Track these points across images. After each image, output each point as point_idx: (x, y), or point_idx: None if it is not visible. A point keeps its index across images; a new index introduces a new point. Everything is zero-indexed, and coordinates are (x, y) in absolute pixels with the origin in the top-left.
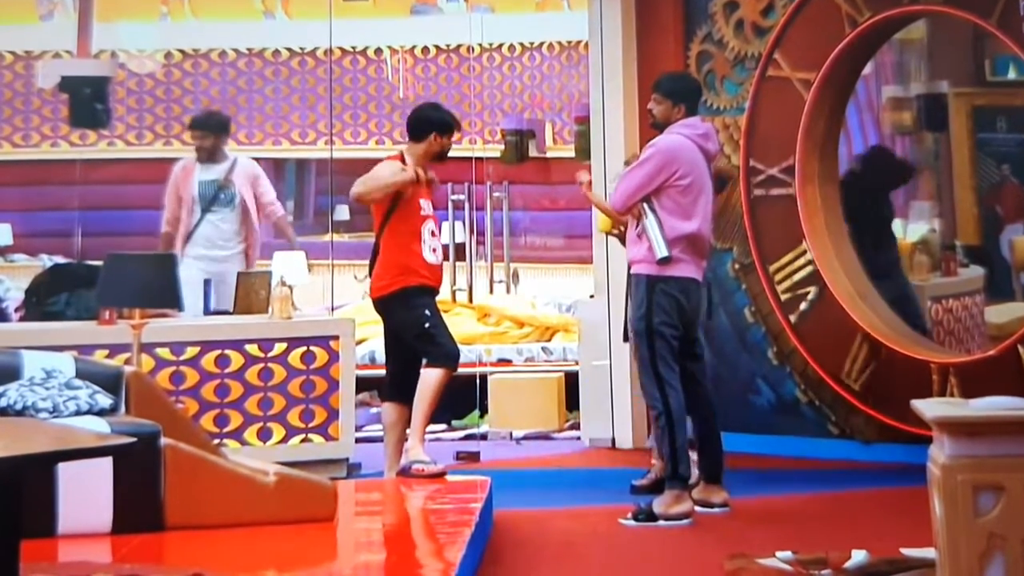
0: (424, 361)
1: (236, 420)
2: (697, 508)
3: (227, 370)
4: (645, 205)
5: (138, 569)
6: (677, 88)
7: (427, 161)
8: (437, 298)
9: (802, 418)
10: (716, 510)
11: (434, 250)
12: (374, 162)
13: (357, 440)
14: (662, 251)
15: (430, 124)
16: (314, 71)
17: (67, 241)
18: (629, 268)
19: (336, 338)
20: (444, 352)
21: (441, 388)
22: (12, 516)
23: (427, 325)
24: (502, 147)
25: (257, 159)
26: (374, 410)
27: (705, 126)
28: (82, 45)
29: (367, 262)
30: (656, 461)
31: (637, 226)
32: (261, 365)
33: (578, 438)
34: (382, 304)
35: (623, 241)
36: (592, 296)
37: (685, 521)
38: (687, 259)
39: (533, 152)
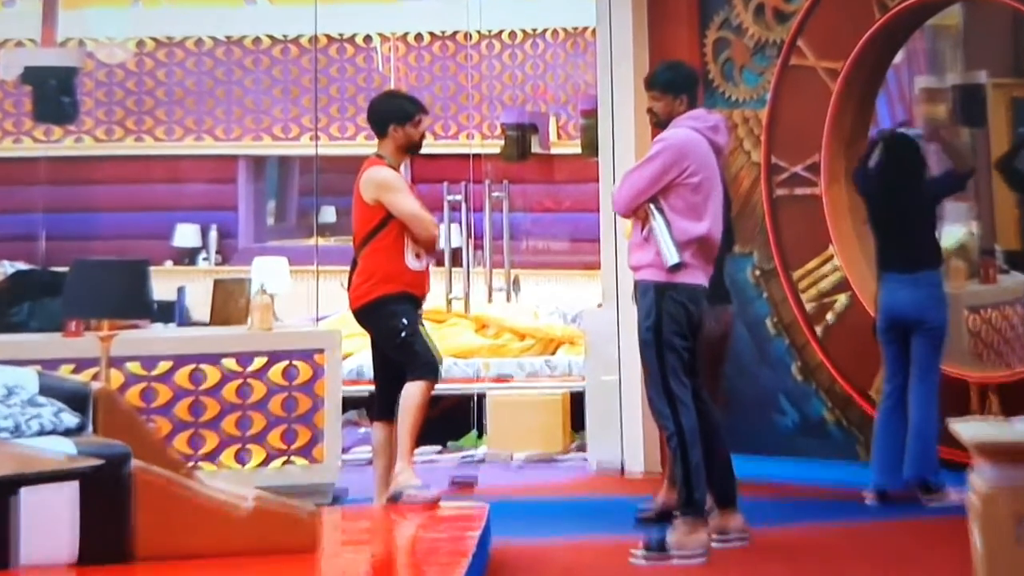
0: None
1: (212, 441)
2: (713, 537)
3: (202, 387)
4: (652, 206)
5: None
6: (673, 79)
7: (402, 156)
8: (422, 307)
9: (829, 440)
10: (733, 539)
11: (418, 255)
12: (362, 159)
13: (343, 463)
14: (673, 257)
15: (385, 117)
16: (298, 60)
17: (30, 245)
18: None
19: (321, 351)
20: (422, 363)
21: (424, 404)
22: None
23: (403, 334)
24: (502, 143)
25: (237, 156)
26: (362, 430)
27: (714, 118)
28: (47, 33)
29: None
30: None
31: (643, 229)
32: (239, 381)
33: (584, 462)
34: (362, 315)
35: None
36: (600, 305)
37: (700, 556)
38: (696, 264)
39: (535, 148)
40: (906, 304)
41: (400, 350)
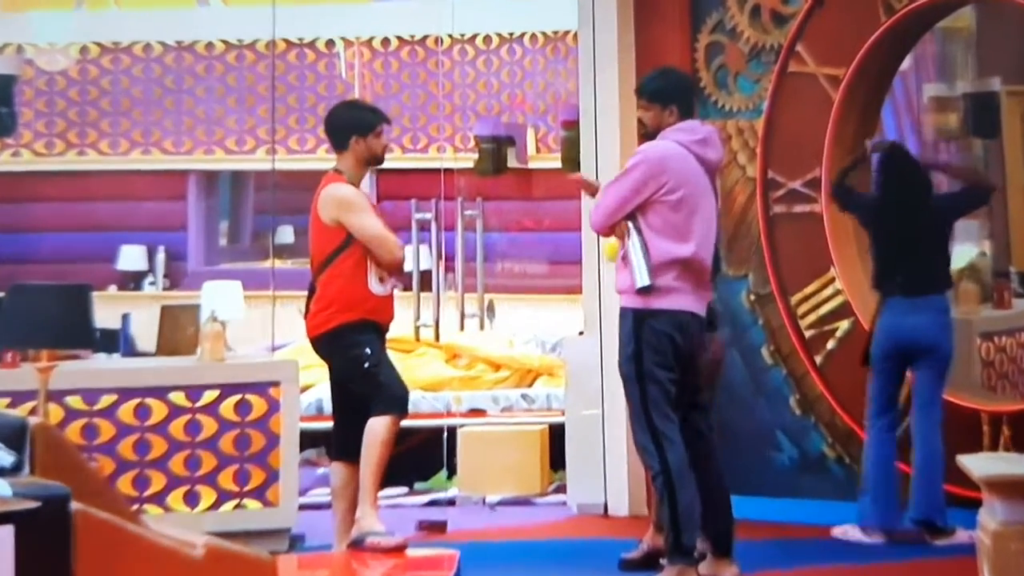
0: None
1: (158, 482)
2: None
3: (148, 422)
4: (629, 224)
5: None
6: (662, 88)
7: (363, 170)
8: (386, 336)
9: (830, 478)
10: None
11: (382, 280)
12: (323, 174)
13: (301, 507)
14: (643, 279)
15: (345, 129)
16: (254, 67)
17: None
18: None
19: (276, 384)
20: (389, 396)
21: (390, 440)
22: None
23: (367, 365)
24: (476, 156)
25: (187, 171)
26: (321, 471)
27: (705, 130)
28: None
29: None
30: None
31: (623, 249)
32: (188, 416)
33: (564, 503)
34: (320, 344)
35: None
36: (581, 333)
37: None
38: (682, 288)
39: (512, 162)
40: (911, 330)
41: (363, 382)
